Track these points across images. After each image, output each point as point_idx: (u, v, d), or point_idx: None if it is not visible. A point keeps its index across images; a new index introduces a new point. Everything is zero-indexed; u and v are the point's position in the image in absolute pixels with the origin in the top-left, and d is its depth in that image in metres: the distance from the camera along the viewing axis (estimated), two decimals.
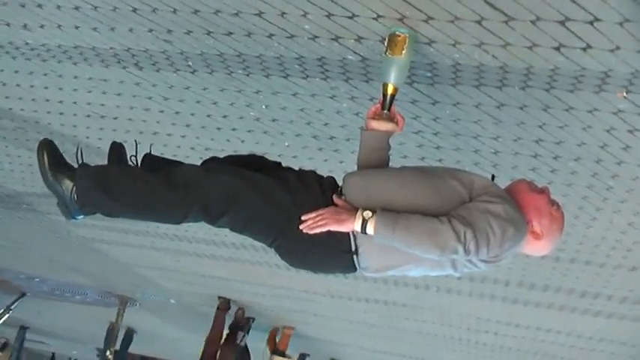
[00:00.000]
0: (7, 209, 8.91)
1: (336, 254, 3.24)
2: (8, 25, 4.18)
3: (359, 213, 2.99)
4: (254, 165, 3.38)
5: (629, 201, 4.60)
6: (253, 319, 12.02)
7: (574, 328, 8.46)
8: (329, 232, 3.11)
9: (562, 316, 7.92)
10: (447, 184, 3.13)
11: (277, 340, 12.17)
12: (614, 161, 4.15)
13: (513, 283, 7.03)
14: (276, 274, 8.56)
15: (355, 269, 3.28)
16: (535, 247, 3.21)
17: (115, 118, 5.32)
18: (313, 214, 3.08)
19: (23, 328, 17.75)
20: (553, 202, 3.18)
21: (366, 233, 3.01)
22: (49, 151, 3.36)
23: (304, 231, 3.08)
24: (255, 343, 12.08)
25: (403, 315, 9.83)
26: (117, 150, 3.51)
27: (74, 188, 3.23)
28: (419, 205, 3.05)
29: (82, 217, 3.36)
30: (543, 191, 3.19)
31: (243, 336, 11.94)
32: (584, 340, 8.83)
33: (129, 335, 15.64)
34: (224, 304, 11.21)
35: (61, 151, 3.36)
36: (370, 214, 2.97)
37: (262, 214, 3.17)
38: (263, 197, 3.13)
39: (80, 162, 3.34)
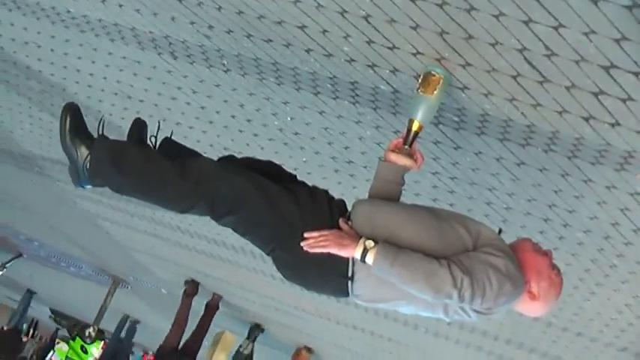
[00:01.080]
0: (19, 169, 8.93)
1: (331, 276, 3.24)
2: None
3: (361, 241, 3.01)
4: (270, 172, 3.40)
5: (631, 282, 4.58)
6: (263, 329, 11.85)
7: None
8: (329, 253, 3.12)
9: None
10: (454, 230, 3.14)
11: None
12: (623, 241, 4.14)
13: (502, 339, 6.99)
14: (270, 285, 8.55)
15: (347, 295, 3.28)
16: (529, 307, 3.21)
17: (141, 101, 5.36)
18: (316, 234, 3.09)
19: (30, 292, 17.51)
20: (554, 267, 3.19)
21: (364, 262, 3.02)
22: (73, 114, 3.40)
23: (304, 248, 3.10)
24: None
25: (387, 349, 9.81)
26: (139, 126, 3.54)
27: (89, 157, 3.27)
28: (422, 244, 3.07)
29: (89, 186, 3.40)
30: (546, 254, 3.20)
31: (249, 344, 11.71)
32: None
33: (132, 326, 15.59)
34: (192, 289, 10.79)
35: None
36: (372, 244, 2.99)
37: (267, 221, 3.19)
38: (271, 206, 3.16)
39: (100, 133, 3.38)
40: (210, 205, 3.18)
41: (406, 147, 3.31)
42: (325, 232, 3.08)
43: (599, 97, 2.98)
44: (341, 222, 3.18)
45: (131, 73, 4.97)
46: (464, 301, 2.95)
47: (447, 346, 8.21)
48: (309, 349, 11.65)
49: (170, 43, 4.30)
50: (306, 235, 3.11)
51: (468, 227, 3.15)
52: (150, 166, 3.25)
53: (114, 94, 5.45)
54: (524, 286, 3.09)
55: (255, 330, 12.06)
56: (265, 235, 3.29)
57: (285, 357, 12.41)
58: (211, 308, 10.89)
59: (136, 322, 16.04)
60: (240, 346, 11.36)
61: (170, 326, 10.58)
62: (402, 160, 3.31)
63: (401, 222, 3.16)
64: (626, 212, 3.85)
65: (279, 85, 4.16)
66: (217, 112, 4.97)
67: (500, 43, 2.94)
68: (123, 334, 15.48)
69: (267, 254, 3.40)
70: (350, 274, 3.18)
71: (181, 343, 10.43)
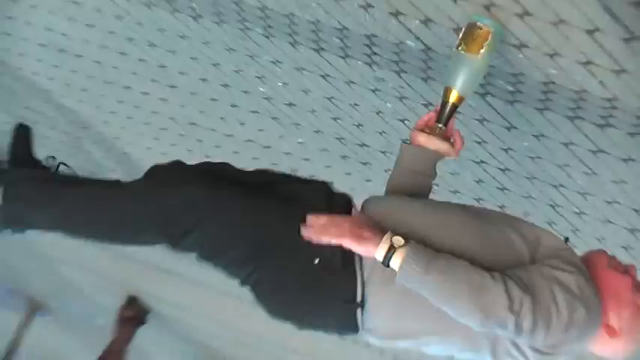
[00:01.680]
0: None
1: (333, 303, 3.20)
2: None
3: (387, 236, 2.92)
4: (234, 179, 3.47)
5: None
6: None
7: None
8: (328, 270, 3.12)
9: None
10: (505, 236, 3.12)
11: None
12: None
13: None
14: (247, 316, 8.48)
15: (357, 330, 3.24)
16: (607, 348, 3.12)
17: (79, 57, 5.42)
18: (325, 219, 3.02)
19: None
20: None
21: (387, 266, 2.95)
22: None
23: (306, 236, 3.03)
24: None
25: None
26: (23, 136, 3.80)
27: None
28: (462, 254, 3.01)
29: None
30: (628, 271, 3.13)
31: None
32: None
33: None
34: (132, 311, 10.75)
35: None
36: (402, 241, 2.90)
37: (240, 234, 3.24)
38: (244, 211, 3.22)
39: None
40: (162, 226, 3.29)
41: (440, 125, 3.30)
42: (338, 218, 3.03)
43: None
44: (355, 211, 3.23)
45: (65, 18, 5.02)
46: (521, 333, 2.86)
47: None
48: None
49: None
50: (309, 218, 3.05)
51: (524, 233, 3.12)
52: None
53: (40, 46, 5.55)
54: (602, 316, 3.03)
55: None
56: (239, 254, 3.30)
57: None
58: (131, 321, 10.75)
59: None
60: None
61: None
62: (434, 144, 3.30)
63: (431, 225, 3.12)
64: None
65: (267, 37, 4.18)
66: (182, 74, 5.01)
67: None
68: None
69: (244, 282, 3.41)
70: (359, 299, 3.14)
71: None
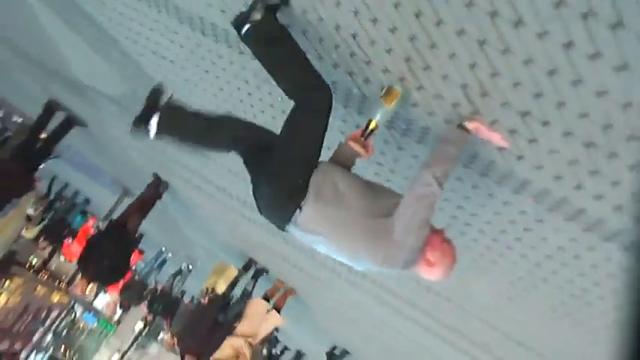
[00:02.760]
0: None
1: (290, 204, 3.24)
2: None
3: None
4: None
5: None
6: (267, 271, 11.21)
7: None
8: (298, 187, 3.19)
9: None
10: (384, 196, 3.26)
11: (277, 295, 10.90)
12: (506, 244, 4.21)
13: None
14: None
15: (287, 223, 3.27)
16: (429, 273, 3.23)
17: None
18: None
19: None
20: (446, 240, 3.25)
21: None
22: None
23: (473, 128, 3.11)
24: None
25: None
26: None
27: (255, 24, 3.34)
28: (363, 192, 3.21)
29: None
30: (442, 232, 3.27)
31: (252, 284, 11.03)
32: None
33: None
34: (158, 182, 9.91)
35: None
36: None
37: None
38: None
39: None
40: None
41: (362, 139, 3.42)
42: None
43: (514, 135, 3.09)
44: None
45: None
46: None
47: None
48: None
49: None
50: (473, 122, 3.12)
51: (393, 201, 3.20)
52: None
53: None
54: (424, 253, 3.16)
55: (261, 271, 11.38)
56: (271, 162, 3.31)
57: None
58: (153, 189, 9.95)
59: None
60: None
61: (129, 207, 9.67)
62: (356, 147, 3.42)
63: (349, 178, 3.28)
64: (512, 224, 3.94)
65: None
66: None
67: (449, 76, 3.04)
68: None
69: (259, 150, 3.40)
70: (302, 204, 3.19)
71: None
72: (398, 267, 3.17)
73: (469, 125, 3.12)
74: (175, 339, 12.83)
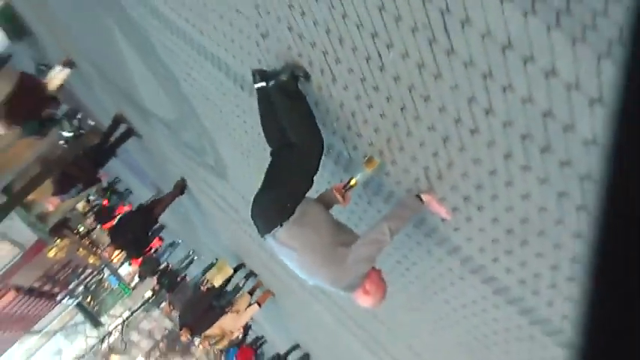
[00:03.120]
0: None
1: (277, 208, 3.11)
2: None
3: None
4: None
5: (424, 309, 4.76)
6: (256, 274, 10.80)
7: None
8: (284, 203, 3.06)
9: None
10: (346, 235, 3.17)
11: (259, 292, 10.77)
12: (434, 289, 4.22)
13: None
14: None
15: (269, 231, 3.11)
16: (364, 300, 3.11)
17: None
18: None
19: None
20: (382, 279, 3.13)
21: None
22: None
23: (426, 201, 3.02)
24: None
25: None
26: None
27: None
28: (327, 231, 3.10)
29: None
30: (377, 270, 3.13)
31: (243, 282, 10.64)
32: None
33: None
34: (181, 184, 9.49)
35: None
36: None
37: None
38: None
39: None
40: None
41: (343, 191, 3.35)
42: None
43: (455, 211, 3.07)
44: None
45: None
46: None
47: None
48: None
49: None
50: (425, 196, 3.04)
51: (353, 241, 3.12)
52: None
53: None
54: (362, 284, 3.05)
55: (251, 274, 10.91)
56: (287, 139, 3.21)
57: None
58: (178, 188, 9.60)
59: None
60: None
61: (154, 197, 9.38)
62: (337, 196, 3.34)
63: (326, 214, 3.22)
64: (441, 276, 3.91)
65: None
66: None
67: (416, 158, 3.04)
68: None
69: (276, 147, 3.26)
70: (288, 219, 3.05)
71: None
72: (341, 288, 3.08)
73: (424, 197, 3.10)
74: (172, 308, 12.75)
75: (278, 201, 3.16)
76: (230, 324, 9.81)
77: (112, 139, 9.73)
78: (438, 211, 3.14)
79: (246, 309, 10.16)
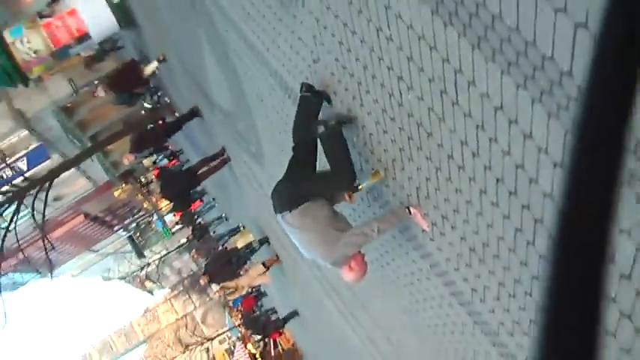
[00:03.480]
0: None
1: (290, 199, 3.04)
2: None
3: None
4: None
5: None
6: (269, 242, 10.50)
7: None
8: (299, 193, 3.01)
9: None
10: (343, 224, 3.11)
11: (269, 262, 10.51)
12: (412, 289, 4.15)
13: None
14: None
15: (280, 212, 3.07)
16: (349, 275, 3.08)
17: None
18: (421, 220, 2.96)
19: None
20: (364, 261, 3.11)
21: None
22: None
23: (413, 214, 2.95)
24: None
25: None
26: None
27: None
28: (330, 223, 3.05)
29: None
30: (362, 255, 3.11)
31: (259, 246, 10.44)
32: None
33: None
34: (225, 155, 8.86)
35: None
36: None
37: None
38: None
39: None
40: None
41: (352, 194, 3.35)
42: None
43: (434, 225, 3.03)
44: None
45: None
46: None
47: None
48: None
49: None
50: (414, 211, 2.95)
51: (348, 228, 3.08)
52: None
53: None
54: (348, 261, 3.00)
55: (266, 240, 10.56)
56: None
57: None
58: (221, 161, 8.99)
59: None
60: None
61: (199, 162, 8.91)
62: (346, 196, 3.35)
63: (325, 211, 3.13)
64: (412, 274, 3.82)
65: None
66: None
67: (412, 179, 3.00)
68: None
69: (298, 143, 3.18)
70: (302, 203, 3.01)
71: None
72: (330, 262, 3.06)
73: (412, 209, 3.08)
74: (198, 255, 12.86)
75: (292, 195, 3.14)
76: (244, 281, 9.83)
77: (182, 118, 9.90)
78: (421, 223, 3.14)
79: (258, 276, 10.26)
